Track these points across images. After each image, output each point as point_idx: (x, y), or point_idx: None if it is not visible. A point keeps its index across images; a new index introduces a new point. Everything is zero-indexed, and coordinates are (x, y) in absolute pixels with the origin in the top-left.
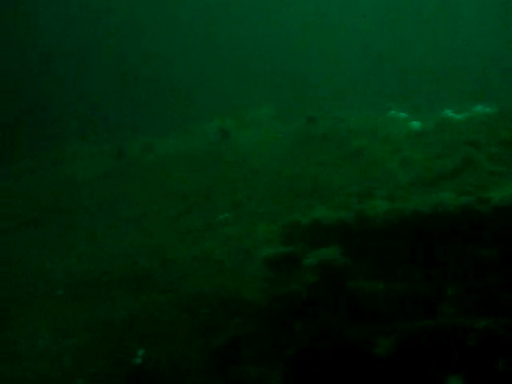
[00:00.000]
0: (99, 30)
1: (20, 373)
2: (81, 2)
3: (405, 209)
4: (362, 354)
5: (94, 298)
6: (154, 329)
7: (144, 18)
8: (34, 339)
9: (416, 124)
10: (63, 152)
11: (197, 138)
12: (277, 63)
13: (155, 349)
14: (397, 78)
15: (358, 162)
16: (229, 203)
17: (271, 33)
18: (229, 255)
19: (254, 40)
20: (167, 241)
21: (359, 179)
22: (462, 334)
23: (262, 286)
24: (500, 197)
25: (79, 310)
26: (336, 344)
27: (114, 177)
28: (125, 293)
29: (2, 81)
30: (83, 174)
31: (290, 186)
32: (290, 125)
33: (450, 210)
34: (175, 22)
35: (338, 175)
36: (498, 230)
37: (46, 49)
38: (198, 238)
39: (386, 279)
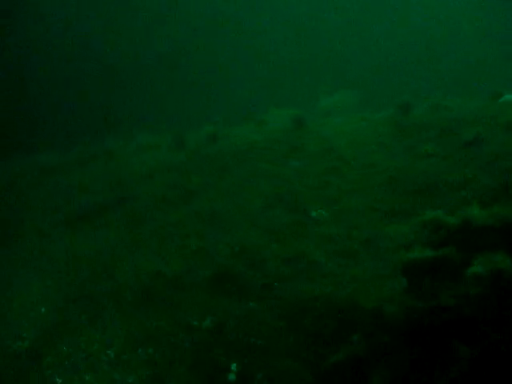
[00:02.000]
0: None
1: None
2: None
3: None
4: None
5: (175, 302)
6: (248, 340)
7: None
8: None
9: None
10: (125, 144)
11: (266, 128)
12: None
13: (251, 363)
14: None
15: (478, 152)
16: (321, 198)
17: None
18: (330, 257)
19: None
20: (254, 239)
21: (486, 171)
22: None
23: (392, 295)
24: None
25: (157, 314)
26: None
27: (179, 169)
28: (211, 297)
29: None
30: (147, 165)
31: (394, 180)
32: (375, 113)
33: None
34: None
35: (455, 169)
36: None
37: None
38: (291, 236)
39: None
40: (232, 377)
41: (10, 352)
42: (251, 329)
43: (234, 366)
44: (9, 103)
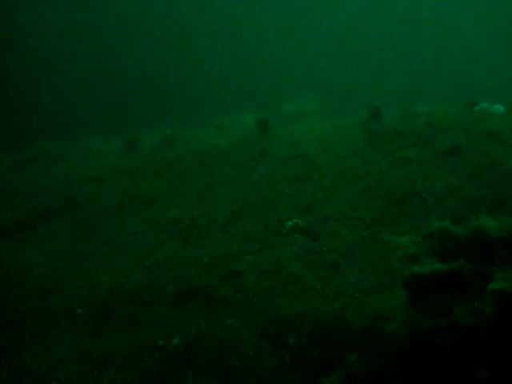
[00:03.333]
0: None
1: None
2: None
3: None
4: None
5: (137, 319)
6: (225, 362)
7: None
8: None
9: None
10: (68, 147)
11: (227, 132)
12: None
13: None
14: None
15: (460, 161)
16: (295, 206)
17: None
18: (311, 270)
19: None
20: (225, 251)
21: (472, 181)
22: None
23: (390, 311)
24: None
25: (117, 332)
26: None
27: (132, 174)
28: (180, 313)
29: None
30: (96, 170)
31: (371, 188)
32: (339, 119)
33: None
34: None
35: (437, 177)
36: None
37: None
38: (266, 247)
39: None
40: None
41: None
42: (228, 349)
43: None
44: None
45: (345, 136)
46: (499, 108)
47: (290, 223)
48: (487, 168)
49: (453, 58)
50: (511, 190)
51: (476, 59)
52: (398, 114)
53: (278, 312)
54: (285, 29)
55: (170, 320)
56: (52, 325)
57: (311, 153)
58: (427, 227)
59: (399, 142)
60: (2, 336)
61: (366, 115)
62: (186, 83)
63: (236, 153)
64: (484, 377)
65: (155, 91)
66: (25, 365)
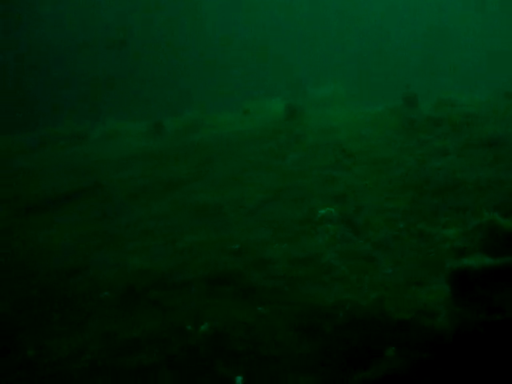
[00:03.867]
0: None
1: None
2: None
3: None
4: None
5: (164, 304)
6: (257, 350)
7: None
8: None
9: None
10: (92, 127)
11: (255, 117)
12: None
13: (260, 378)
14: None
15: (501, 152)
16: (328, 195)
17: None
18: (344, 260)
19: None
20: (255, 237)
21: None
22: None
23: (433, 305)
24: None
25: (144, 316)
26: None
27: (159, 157)
28: (209, 299)
29: None
30: (122, 152)
31: (408, 177)
32: (369, 107)
33: None
34: None
35: (478, 168)
36: None
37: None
38: (298, 235)
39: None
40: None
41: None
42: (260, 337)
43: (239, 380)
44: None
45: (377, 124)
46: None
47: (322, 211)
48: None
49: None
50: None
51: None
52: (435, 101)
53: (312, 302)
54: (311, 15)
55: (199, 306)
56: (77, 307)
57: (343, 140)
58: (473, 220)
59: (436, 131)
60: (26, 316)
61: (399, 103)
62: (212, 68)
63: (265, 138)
64: None
65: (182, 76)
66: (49, 347)
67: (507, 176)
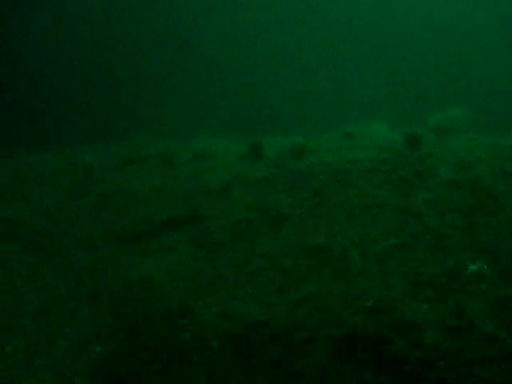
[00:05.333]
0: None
1: None
2: None
3: None
4: None
5: (285, 367)
6: None
7: None
8: None
9: None
10: (179, 144)
11: (361, 143)
12: None
13: None
14: None
15: None
16: (475, 245)
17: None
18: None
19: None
20: (390, 292)
21: None
22: None
23: None
24: None
25: (270, 378)
26: None
27: (260, 186)
28: (341, 364)
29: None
30: (218, 177)
31: None
32: (505, 137)
33: None
34: None
35: None
36: None
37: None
38: (445, 293)
39: None
40: None
41: None
42: None
43: None
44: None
45: None
46: None
47: (473, 267)
48: None
49: None
50: None
51: None
52: None
53: None
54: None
55: (329, 372)
56: (183, 357)
57: (483, 178)
58: None
59: None
60: (129, 364)
61: None
62: (306, 86)
63: (382, 171)
64: None
65: (282, 94)
66: None
67: None
